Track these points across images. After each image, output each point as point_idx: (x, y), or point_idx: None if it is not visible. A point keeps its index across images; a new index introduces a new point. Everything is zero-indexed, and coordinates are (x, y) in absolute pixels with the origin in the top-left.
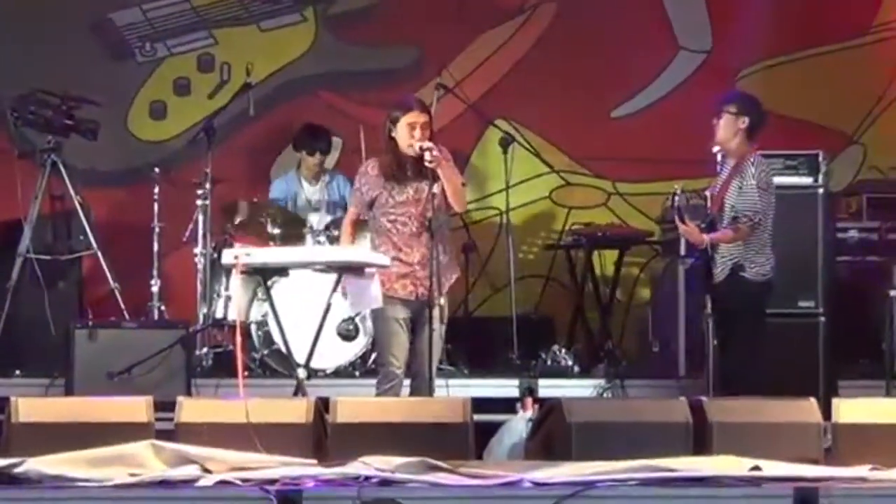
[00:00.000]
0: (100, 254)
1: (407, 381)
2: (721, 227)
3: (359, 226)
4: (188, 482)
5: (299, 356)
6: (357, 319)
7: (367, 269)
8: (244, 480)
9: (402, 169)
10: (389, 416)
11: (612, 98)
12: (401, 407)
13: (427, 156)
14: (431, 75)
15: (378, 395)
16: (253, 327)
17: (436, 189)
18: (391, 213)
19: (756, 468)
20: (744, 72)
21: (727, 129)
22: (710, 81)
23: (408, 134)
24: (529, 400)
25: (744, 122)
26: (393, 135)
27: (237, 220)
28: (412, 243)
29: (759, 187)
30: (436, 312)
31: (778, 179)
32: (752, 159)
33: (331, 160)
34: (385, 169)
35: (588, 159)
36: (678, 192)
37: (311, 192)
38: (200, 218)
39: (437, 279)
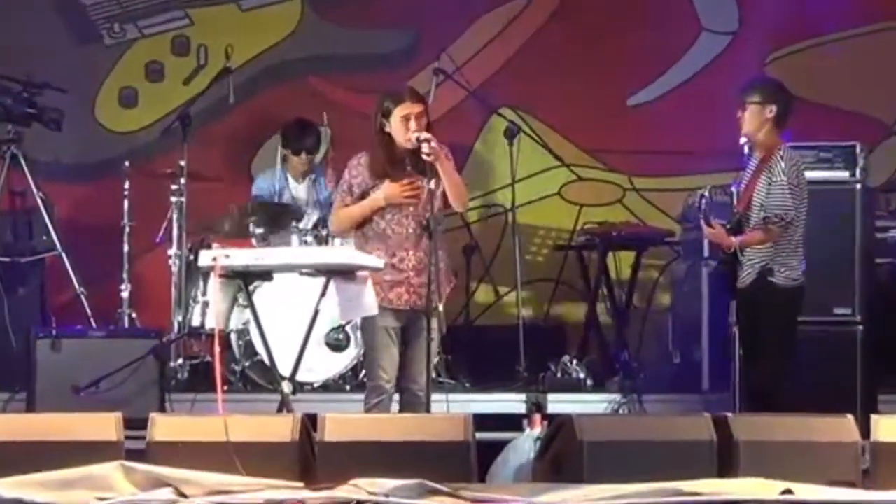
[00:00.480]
0: (64, 255)
1: (396, 396)
2: (749, 227)
3: None
4: None
5: (284, 368)
6: (348, 328)
7: (360, 274)
8: None
9: (398, 166)
10: (383, 435)
11: (629, 84)
12: (396, 424)
13: (424, 147)
14: (429, 60)
15: (366, 410)
16: (233, 336)
17: (433, 185)
18: (387, 212)
19: (787, 492)
20: (772, 55)
21: (753, 120)
22: (735, 66)
23: (402, 127)
24: (537, 416)
25: (771, 110)
26: (386, 129)
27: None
28: (408, 247)
29: (789, 183)
30: (433, 322)
31: (810, 174)
32: (780, 152)
33: (318, 154)
34: (377, 167)
35: (602, 151)
36: (705, 195)
37: (297, 189)
38: (175, 216)
39: (438, 286)
